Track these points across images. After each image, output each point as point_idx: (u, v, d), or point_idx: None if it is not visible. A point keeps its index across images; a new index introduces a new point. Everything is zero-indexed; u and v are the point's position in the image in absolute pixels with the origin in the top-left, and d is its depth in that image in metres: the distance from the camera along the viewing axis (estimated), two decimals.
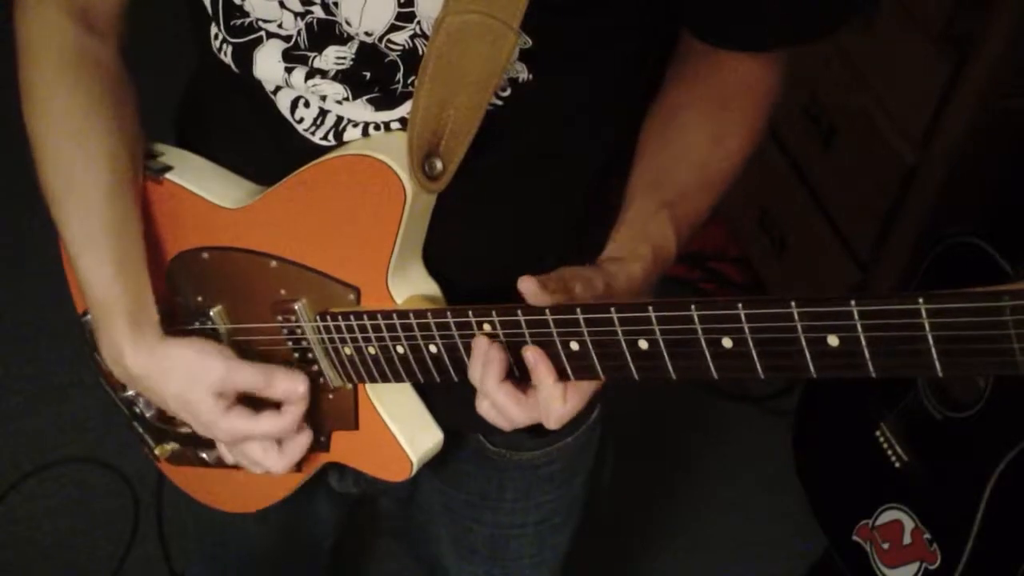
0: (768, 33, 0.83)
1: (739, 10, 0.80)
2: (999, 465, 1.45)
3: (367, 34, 0.77)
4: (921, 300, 0.57)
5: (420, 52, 0.76)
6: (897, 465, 1.62)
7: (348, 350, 0.85)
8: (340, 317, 0.84)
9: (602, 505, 1.14)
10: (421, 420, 0.91)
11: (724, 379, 0.68)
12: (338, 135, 0.83)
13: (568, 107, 0.84)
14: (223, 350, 0.89)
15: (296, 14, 0.78)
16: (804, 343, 0.62)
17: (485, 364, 0.75)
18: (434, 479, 1.05)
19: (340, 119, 0.82)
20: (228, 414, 0.87)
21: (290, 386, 0.88)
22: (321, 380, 0.89)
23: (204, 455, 0.99)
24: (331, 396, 0.91)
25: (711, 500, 2.04)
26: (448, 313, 0.77)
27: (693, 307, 0.66)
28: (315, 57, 0.79)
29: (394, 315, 0.80)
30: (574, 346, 0.72)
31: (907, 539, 1.61)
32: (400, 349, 0.82)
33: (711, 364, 0.67)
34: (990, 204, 1.72)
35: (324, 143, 0.83)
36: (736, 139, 0.86)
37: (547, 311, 0.72)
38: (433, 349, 0.80)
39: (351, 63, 0.78)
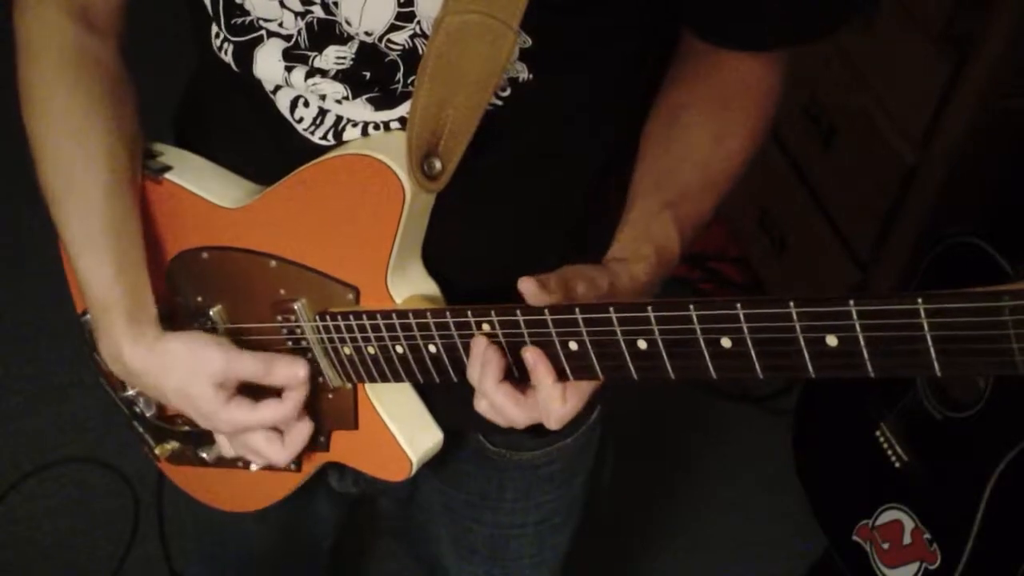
0: (768, 33, 0.83)
1: (739, 10, 0.80)
2: (999, 465, 1.45)
3: (367, 34, 0.77)
4: (920, 300, 0.57)
5: (420, 52, 0.76)
6: (897, 465, 1.62)
7: (347, 350, 0.85)
8: (339, 317, 0.84)
9: (602, 505, 1.14)
10: (421, 420, 0.91)
11: (723, 379, 0.68)
12: (337, 135, 0.83)
13: (568, 107, 0.84)
14: (221, 341, 0.89)
15: (296, 13, 0.78)
16: (803, 343, 0.62)
17: (483, 365, 0.75)
18: (434, 479, 1.05)
19: (340, 118, 0.82)
20: (229, 405, 0.87)
21: (290, 371, 0.87)
22: (320, 380, 0.89)
23: (204, 454, 0.99)
24: (330, 396, 0.91)
25: (711, 500, 2.04)
26: (447, 313, 0.77)
27: (692, 307, 0.66)
28: (315, 56, 0.79)
29: (393, 315, 0.80)
30: (573, 346, 0.72)
31: (907, 539, 1.61)
32: (399, 349, 0.82)
33: (710, 364, 0.67)
34: (990, 204, 1.72)
35: (323, 143, 0.83)
36: (737, 139, 0.86)
37: (546, 311, 0.71)
38: (432, 349, 0.80)
39: (351, 63, 0.78)
